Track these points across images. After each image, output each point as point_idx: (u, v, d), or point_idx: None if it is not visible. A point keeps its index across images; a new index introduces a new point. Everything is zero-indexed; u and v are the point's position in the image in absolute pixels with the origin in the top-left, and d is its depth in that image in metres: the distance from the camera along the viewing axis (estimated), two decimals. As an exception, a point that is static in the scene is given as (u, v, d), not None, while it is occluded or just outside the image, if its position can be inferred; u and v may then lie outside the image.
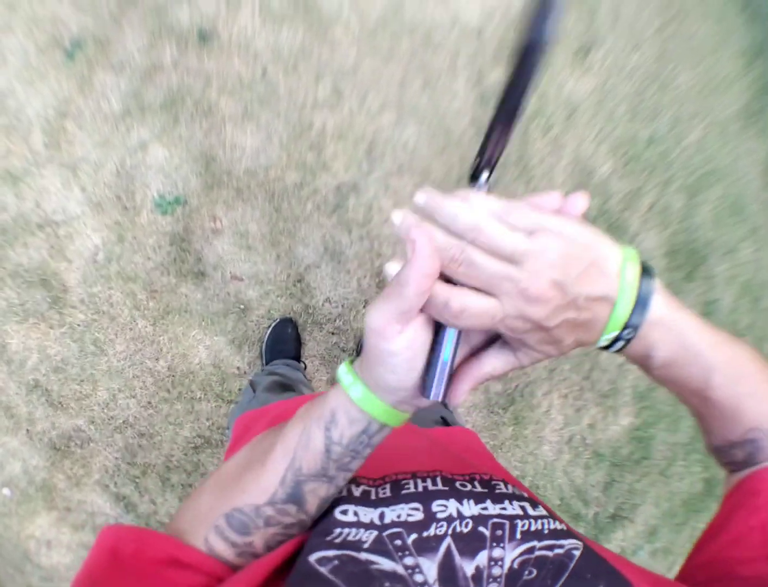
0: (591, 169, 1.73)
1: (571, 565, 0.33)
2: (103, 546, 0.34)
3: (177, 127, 1.52)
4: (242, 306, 1.51)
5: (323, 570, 0.30)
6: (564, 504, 1.77)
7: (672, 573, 0.41)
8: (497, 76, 1.63)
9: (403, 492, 0.40)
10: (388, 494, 0.40)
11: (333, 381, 1.61)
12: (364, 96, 1.53)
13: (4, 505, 1.57)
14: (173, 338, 1.55)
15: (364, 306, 1.54)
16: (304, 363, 1.50)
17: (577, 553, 0.34)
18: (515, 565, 0.32)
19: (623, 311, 0.32)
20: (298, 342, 1.51)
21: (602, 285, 0.31)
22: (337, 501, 0.38)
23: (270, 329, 1.50)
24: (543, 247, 0.30)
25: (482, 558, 0.33)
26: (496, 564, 0.32)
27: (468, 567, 0.32)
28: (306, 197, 1.51)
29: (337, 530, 0.35)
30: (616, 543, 1.80)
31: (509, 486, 0.43)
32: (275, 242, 1.50)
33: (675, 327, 0.35)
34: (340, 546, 0.33)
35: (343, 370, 0.35)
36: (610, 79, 1.80)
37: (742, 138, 2.07)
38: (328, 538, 0.34)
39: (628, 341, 0.34)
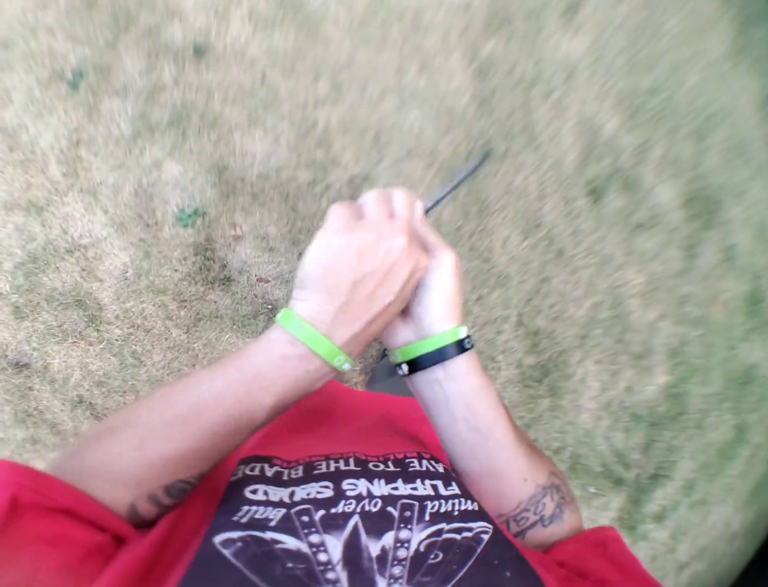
0: (598, 127, 1.76)
1: (479, 550, 0.33)
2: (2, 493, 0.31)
3: (186, 141, 1.58)
4: (270, 307, 1.59)
5: (226, 552, 0.30)
6: (606, 470, 1.80)
7: (708, 524, 0.44)
8: (491, 47, 1.66)
9: (315, 472, 0.41)
10: (300, 474, 0.41)
11: (364, 369, 1.68)
12: (363, 87, 1.58)
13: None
14: (207, 343, 1.63)
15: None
16: None
17: (485, 537, 0.34)
18: (421, 548, 0.33)
19: (457, 334, 0.42)
20: None
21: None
22: (247, 480, 0.39)
23: None
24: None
25: (389, 538, 0.33)
26: (402, 545, 0.33)
27: (374, 548, 0.32)
28: (320, 193, 1.57)
29: (245, 507, 0.35)
30: (657, 502, 1.84)
31: (423, 463, 0.43)
32: (296, 241, 1.57)
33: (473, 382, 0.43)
34: (245, 526, 0.33)
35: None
36: (602, 34, 1.82)
37: (736, 74, 2.09)
38: (235, 518, 0.34)
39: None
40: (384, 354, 1.60)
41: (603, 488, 1.85)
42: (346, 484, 0.39)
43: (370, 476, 0.40)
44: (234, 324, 1.61)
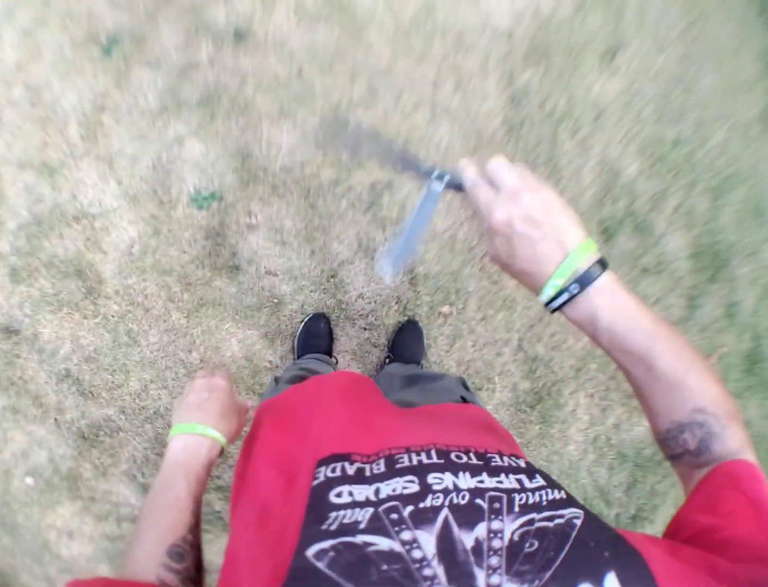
0: (618, 170, 1.79)
1: (573, 534, 0.33)
2: None
3: (213, 123, 1.58)
4: (276, 301, 1.58)
5: (320, 565, 0.31)
6: (587, 504, 1.79)
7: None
8: (528, 78, 1.69)
9: (398, 466, 0.41)
10: (383, 469, 0.41)
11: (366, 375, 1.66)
12: (398, 95, 1.60)
13: (26, 494, 1.63)
14: (206, 330, 1.61)
15: (396, 303, 1.60)
16: (335, 357, 1.56)
17: (578, 522, 0.34)
18: (515, 537, 0.33)
19: (573, 263, 0.43)
20: (330, 338, 1.57)
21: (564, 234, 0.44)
22: (331, 483, 0.40)
23: (303, 324, 1.56)
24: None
25: (481, 529, 0.33)
26: (495, 536, 0.33)
27: (467, 540, 0.33)
28: (341, 194, 1.57)
29: (333, 514, 0.36)
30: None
31: (505, 459, 0.44)
32: (310, 238, 1.57)
33: (619, 297, 0.44)
34: (335, 534, 0.33)
35: None
36: (636, 81, 1.86)
37: (763, 140, 2.13)
38: (324, 526, 0.34)
39: (572, 297, 0.43)
40: (384, 363, 1.59)
41: (583, 524, 1.84)
42: (431, 478, 0.39)
43: (455, 469, 0.40)
44: (236, 314, 1.59)
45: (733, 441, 0.44)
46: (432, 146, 1.60)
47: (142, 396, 1.63)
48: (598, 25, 1.84)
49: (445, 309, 1.62)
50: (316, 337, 1.55)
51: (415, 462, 0.41)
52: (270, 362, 1.60)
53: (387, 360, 1.57)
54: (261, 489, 0.50)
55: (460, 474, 0.40)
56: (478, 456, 0.43)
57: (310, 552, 0.32)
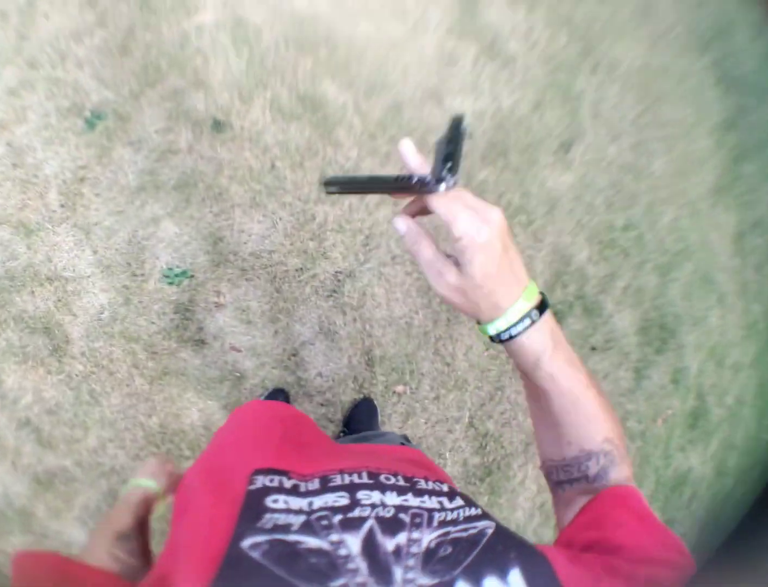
0: (569, 257, 1.94)
1: (483, 541, 0.38)
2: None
3: (188, 207, 1.70)
4: (238, 375, 1.69)
5: (255, 555, 0.34)
6: None
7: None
8: (485, 175, 1.85)
9: (331, 484, 0.44)
10: (317, 486, 0.44)
11: None
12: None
13: (-21, 520, 1.64)
14: (168, 398, 1.70)
15: (353, 381, 1.73)
16: None
17: (490, 531, 0.39)
18: (432, 545, 0.37)
19: (533, 289, 0.45)
20: None
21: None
22: (268, 490, 0.43)
23: (262, 397, 1.67)
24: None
25: (402, 537, 0.37)
26: (414, 543, 0.37)
27: (389, 544, 0.36)
28: (305, 281, 1.70)
29: (267, 516, 0.38)
30: None
31: (430, 483, 0.47)
32: (274, 319, 1.69)
33: (558, 328, 0.47)
34: (269, 531, 0.36)
35: None
36: (589, 173, 2.01)
37: (712, 214, 2.27)
38: (258, 524, 0.37)
39: (532, 323, 0.44)
40: (338, 437, 1.72)
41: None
42: (360, 494, 0.42)
43: (383, 488, 0.44)
44: (199, 384, 1.70)
45: (626, 470, 0.49)
46: (392, 241, 1.75)
47: (99, 453, 1.68)
48: (555, 120, 2.00)
49: (400, 388, 1.75)
50: None
51: (347, 482, 0.45)
52: None
53: (341, 434, 1.69)
54: (194, 488, 0.53)
55: (388, 492, 0.43)
56: (406, 479, 0.47)
57: (245, 543, 0.35)
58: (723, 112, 2.37)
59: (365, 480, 0.45)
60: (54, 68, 1.87)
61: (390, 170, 1.77)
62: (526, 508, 1.89)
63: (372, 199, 1.75)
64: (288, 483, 0.44)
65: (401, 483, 0.46)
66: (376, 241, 1.73)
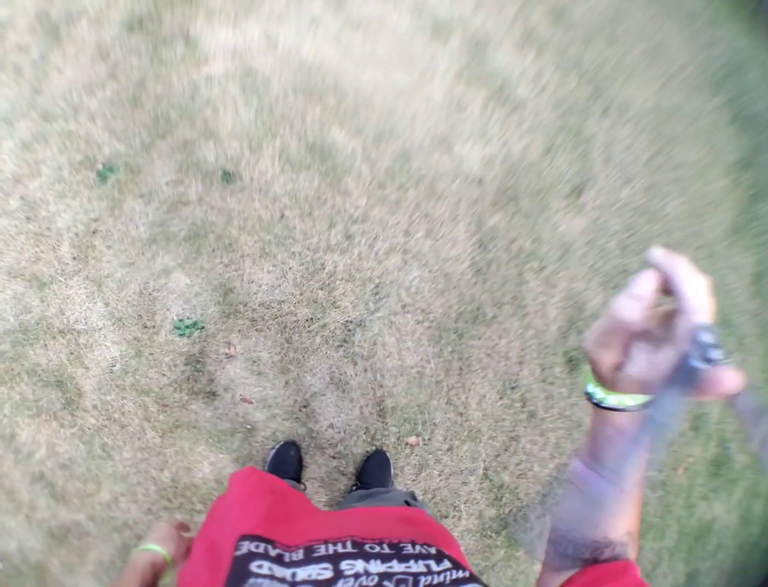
0: (582, 303, 1.93)
1: None
2: None
3: (199, 258, 1.71)
4: (249, 427, 1.69)
5: None
6: None
7: None
8: (496, 221, 1.85)
9: (315, 554, 0.44)
10: (301, 557, 0.44)
11: (331, 503, 1.77)
12: (372, 242, 1.75)
13: (-5, 575, 1.64)
14: (179, 451, 1.70)
15: (365, 433, 1.72)
16: (304, 484, 1.66)
17: None
18: None
19: None
20: (300, 465, 1.66)
21: None
22: (253, 556, 0.43)
23: (274, 450, 1.65)
24: None
25: None
26: None
27: None
28: (315, 331, 1.71)
29: (251, 580, 0.39)
30: None
31: (417, 547, 0.47)
32: (285, 370, 1.69)
33: None
34: None
35: None
36: (601, 217, 2.02)
37: (729, 255, 2.25)
38: None
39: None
40: (351, 490, 1.70)
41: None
42: (344, 564, 0.42)
43: (367, 557, 0.44)
44: (210, 437, 1.69)
45: (632, 556, 0.49)
46: (402, 289, 1.75)
47: (112, 507, 1.68)
48: (566, 164, 2.01)
49: (412, 440, 1.73)
50: (285, 464, 1.63)
51: (330, 552, 0.44)
52: None
53: (353, 488, 1.67)
54: (195, 563, 0.56)
55: (372, 561, 0.43)
56: (391, 546, 0.47)
57: None
58: (738, 152, 2.36)
59: (349, 549, 0.45)
60: (67, 121, 1.92)
61: (399, 218, 1.78)
62: None
63: (382, 246, 1.75)
64: (273, 552, 0.44)
65: (386, 550, 0.45)
66: (386, 290, 1.74)
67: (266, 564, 0.42)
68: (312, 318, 1.71)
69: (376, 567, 0.42)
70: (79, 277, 1.78)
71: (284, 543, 0.47)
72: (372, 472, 1.67)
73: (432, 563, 0.44)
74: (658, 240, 2.11)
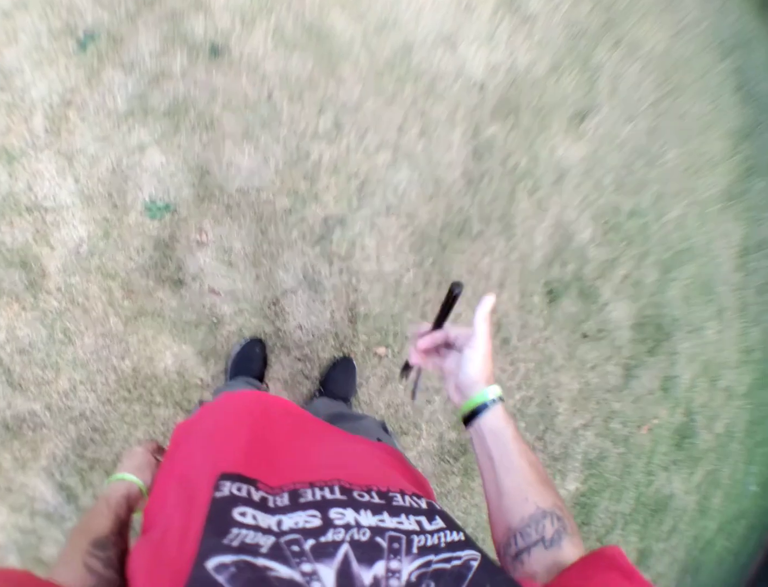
0: (571, 234, 1.80)
1: (470, 575, 0.34)
2: None
3: (177, 135, 1.54)
4: (215, 320, 1.54)
5: (220, 578, 0.30)
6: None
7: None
8: (493, 132, 1.67)
9: (301, 500, 0.40)
10: (286, 502, 0.40)
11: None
12: (363, 134, 1.57)
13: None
14: (142, 340, 1.56)
15: (334, 338, 1.57)
16: (266, 384, 1.53)
17: (475, 564, 0.35)
18: (413, 578, 0.33)
19: (497, 385, 0.60)
20: (264, 363, 1.54)
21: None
22: (236, 500, 0.38)
23: (239, 346, 1.53)
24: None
25: (380, 568, 0.33)
26: (393, 575, 0.33)
27: (366, 576, 0.33)
28: (293, 224, 1.55)
29: (234, 530, 0.35)
30: None
31: (407, 498, 0.44)
32: (257, 263, 1.53)
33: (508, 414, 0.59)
34: (237, 551, 0.33)
35: None
36: (601, 148, 1.87)
37: (719, 219, 2.15)
38: (225, 541, 0.34)
39: (494, 404, 0.58)
40: (314, 395, 1.55)
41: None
42: (333, 513, 0.39)
43: (357, 506, 0.40)
44: (174, 327, 1.55)
45: (579, 544, 0.49)
46: (389, 189, 1.57)
47: (69, 396, 1.57)
48: (571, 88, 1.84)
49: (381, 350, 1.60)
50: (250, 361, 1.51)
51: (318, 497, 0.41)
52: (201, 379, 1.55)
53: (317, 393, 1.54)
54: (163, 499, 0.51)
55: (362, 511, 0.40)
56: (380, 495, 0.43)
57: (210, 564, 0.31)
58: (740, 119, 2.26)
59: (338, 495, 0.41)
60: (49, -13, 1.71)
61: (393, 112, 1.58)
62: None
63: (372, 140, 1.57)
64: (256, 495, 0.40)
65: (376, 500, 0.42)
66: (372, 188, 1.57)
67: (250, 511, 0.37)
68: (291, 210, 1.54)
69: (367, 519, 0.39)
70: (50, 151, 1.61)
71: (267, 484, 0.43)
72: (337, 379, 1.56)
73: (424, 520, 0.41)
74: (654, 186, 1.96)
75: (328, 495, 0.41)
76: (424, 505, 0.43)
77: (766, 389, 2.30)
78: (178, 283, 1.54)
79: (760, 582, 2.64)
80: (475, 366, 0.58)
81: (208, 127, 1.54)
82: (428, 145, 1.61)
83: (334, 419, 1.02)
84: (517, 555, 0.49)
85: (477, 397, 0.58)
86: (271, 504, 0.40)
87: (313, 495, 0.41)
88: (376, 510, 0.40)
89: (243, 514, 0.36)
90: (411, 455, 1.67)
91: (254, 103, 1.54)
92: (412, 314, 1.60)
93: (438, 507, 0.44)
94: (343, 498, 0.41)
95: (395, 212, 1.60)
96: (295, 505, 0.40)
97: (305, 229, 1.55)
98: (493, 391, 0.58)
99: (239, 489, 0.40)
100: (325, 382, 1.55)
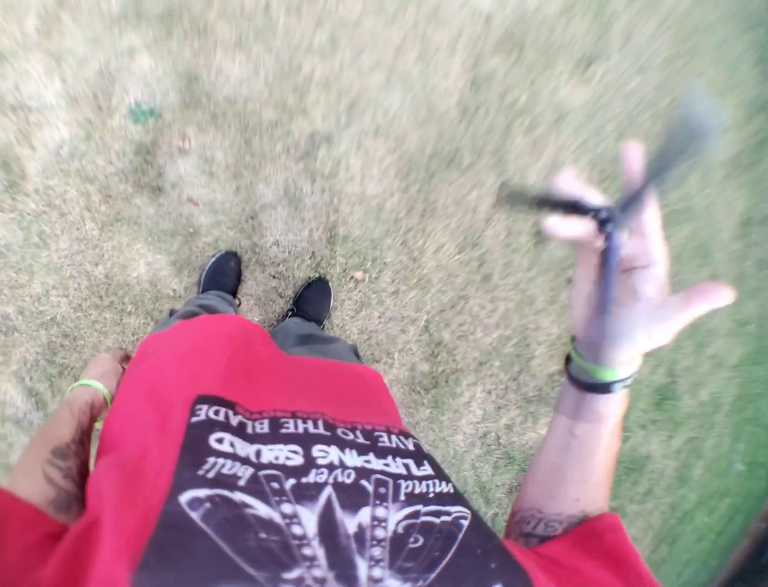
0: None
1: (460, 536, 0.32)
2: None
3: (169, 40, 1.48)
4: (191, 231, 1.47)
5: (194, 515, 0.27)
6: (466, 498, 1.71)
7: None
8: (495, 64, 1.59)
9: (282, 431, 0.37)
10: (266, 430, 0.37)
11: (264, 324, 1.54)
12: (358, 52, 1.50)
13: None
14: (117, 247, 1.51)
15: (311, 258, 1.49)
16: (239, 299, 1.46)
17: (465, 523, 0.32)
18: (400, 529, 0.30)
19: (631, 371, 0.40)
20: (238, 279, 1.49)
21: None
22: (213, 425, 0.35)
23: (213, 259, 1.48)
24: None
25: (365, 515, 0.31)
26: (379, 524, 0.30)
27: (350, 523, 0.30)
28: (278, 137, 1.48)
29: (211, 460, 0.32)
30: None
31: (393, 439, 0.40)
32: (238, 174, 1.47)
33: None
34: (212, 483, 0.30)
35: None
36: (605, 95, 1.78)
37: (723, 186, 2.07)
38: (200, 471, 0.31)
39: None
40: (287, 315, 1.47)
41: (456, 515, 1.77)
42: (316, 451, 0.36)
43: (342, 444, 0.37)
44: (150, 235, 1.49)
45: None
46: (380, 110, 1.49)
47: (42, 300, 1.54)
48: (582, 31, 1.75)
49: (358, 274, 1.53)
50: (223, 275, 1.45)
51: (300, 430, 0.38)
52: (174, 290, 1.49)
53: (290, 313, 1.47)
54: (129, 414, 0.48)
55: (347, 450, 0.37)
56: (366, 434, 0.40)
57: (184, 498, 0.29)
58: (756, 91, 2.15)
59: (321, 430, 0.38)
60: None
61: (392, 33, 1.50)
62: (468, 434, 1.74)
63: (367, 59, 1.48)
64: (234, 420, 0.37)
65: (361, 440, 0.39)
66: (362, 107, 1.49)
67: (227, 437, 0.34)
68: (277, 123, 1.46)
69: (352, 459, 0.36)
70: (39, 51, 1.55)
71: (247, 407, 0.40)
72: (311, 300, 1.51)
73: (411, 464, 0.38)
74: (656, 142, 1.85)
75: (311, 428, 0.38)
76: (411, 447, 0.40)
77: (760, 365, 2.23)
78: (157, 191, 1.48)
79: (749, 573, 2.59)
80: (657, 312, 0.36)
81: (200, 34, 1.46)
82: (425, 70, 1.52)
83: (306, 340, 1.01)
84: (528, 536, 0.45)
85: (622, 370, 0.38)
86: (249, 430, 0.37)
87: (295, 426, 0.38)
88: (361, 450, 0.37)
89: (220, 441, 0.33)
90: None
91: (251, 12, 1.46)
92: (392, 240, 1.52)
93: (425, 451, 0.41)
94: (327, 434, 0.38)
95: (384, 134, 1.52)
96: (276, 435, 0.37)
97: (290, 143, 1.47)
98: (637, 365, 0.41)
99: (216, 413, 0.36)
100: (298, 302, 1.49)
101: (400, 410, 1.64)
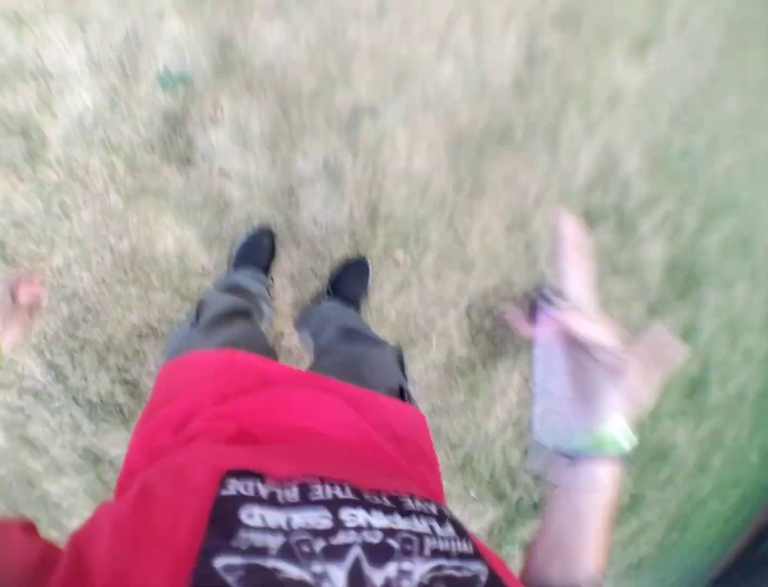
0: (617, 161, 1.62)
1: None
2: None
3: (201, 2, 1.36)
4: (223, 205, 1.37)
5: (230, 579, 0.27)
6: (493, 481, 1.73)
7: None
8: (551, 41, 1.49)
9: (312, 498, 0.36)
10: (296, 498, 0.36)
11: (297, 304, 1.42)
12: (409, 19, 1.38)
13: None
14: (143, 220, 1.40)
15: (350, 237, 1.37)
16: (272, 278, 1.35)
17: (483, 579, 0.33)
18: (425, 581, 0.31)
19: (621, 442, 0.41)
20: (272, 256, 1.39)
21: None
22: (242, 501, 0.34)
23: (246, 235, 1.37)
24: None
25: (391, 569, 0.31)
26: (405, 576, 0.31)
27: (377, 577, 0.30)
28: (318, 108, 1.37)
29: (242, 533, 0.31)
30: (531, 530, 1.77)
31: (416, 503, 0.40)
32: (274, 146, 1.35)
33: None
34: (245, 553, 0.30)
35: None
36: (661, 79, 1.68)
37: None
38: (233, 543, 0.30)
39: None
40: (323, 295, 1.35)
41: (484, 497, 1.76)
42: (344, 514, 0.35)
43: (368, 507, 0.36)
44: (178, 208, 1.38)
45: None
46: (430, 83, 1.36)
47: (63, 274, 1.44)
48: (640, 11, 1.66)
49: (400, 255, 1.43)
50: (257, 252, 1.37)
51: (329, 496, 0.37)
52: (203, 267, 1.38)
53: (326, 294, 1.34)
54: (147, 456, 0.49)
55: (373, 512, 0.36)
56: (390, 498, 0.39)
57: (218, 563, 0.28)
58: None
59: (349, 495, 0.37)
60: None
61: (445, 2, 1.37)
62: (501, 420, 1.69)
63: (418, 28, 1.36)
64: (264, 491, 0.36)
65: (387, 503, 0.38)
66: (412, 79, 1.37)
67: (257, 511, 0.33)
68: (318, 93, 1.34)
69: (379, 520, 0.35)
70: (62, 15, 1.44)
71: (275, 474, 0.38)
72: (348, 282, 1.41)
73: (435, 524, 0.37)
74: (709, 129, 1.79)
75: (339, 494, 0.37)
76: (434, 510, 0.40)
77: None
78: (186, 162, 1.35)
79: (746, 563, 2.57)
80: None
81: (237, -3, 1.33)
82: (478, 43, 1.41)
83: (347, 336, 0.96)
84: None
85: (608, 437, 0.41)
86: (280, 498, 0.36)
87: (324, 492, 0.37)
88: (387, 511, 0.37)
89: (251, 516, 0.33)
90: (418, 367, 1.55)
91: (294, -26, 1.33)
92: (437, 221, 1.39)
93: (447, 513, 0.40)
94: (355, 498, 0.37)
95: (433, 108, 1.40)
96: (306, 502, 0.36)
97: (332, 114, 1.35)
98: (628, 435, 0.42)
99: (246, 488, 0.35)
100: (335, 283, 1.39)
101: (435, 394, 1.58)
